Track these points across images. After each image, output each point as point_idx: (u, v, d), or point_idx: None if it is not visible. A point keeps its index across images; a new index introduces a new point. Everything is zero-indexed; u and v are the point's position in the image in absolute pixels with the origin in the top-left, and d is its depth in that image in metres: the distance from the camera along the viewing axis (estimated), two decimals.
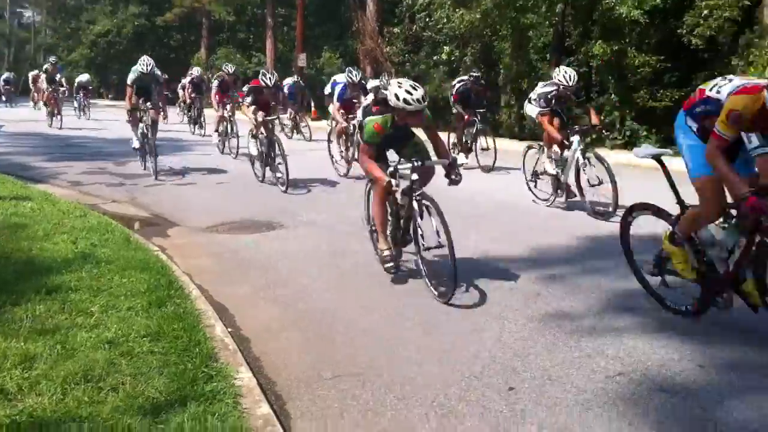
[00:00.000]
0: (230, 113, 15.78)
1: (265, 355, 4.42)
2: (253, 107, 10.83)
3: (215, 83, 17.12)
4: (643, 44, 18.90)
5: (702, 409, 3.64)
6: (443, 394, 3.82)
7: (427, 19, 23.90)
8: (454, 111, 13.44)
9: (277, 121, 12.19)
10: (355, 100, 11.90)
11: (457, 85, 13.62)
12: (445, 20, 22.21)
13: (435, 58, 23.76)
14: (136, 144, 12.16)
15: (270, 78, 10.88)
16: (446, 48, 23.23)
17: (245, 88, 11.44)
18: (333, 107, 12.25)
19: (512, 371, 4.08)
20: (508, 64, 20.75)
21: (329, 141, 12.77)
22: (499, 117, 20.62)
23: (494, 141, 12.94)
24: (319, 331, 4.82)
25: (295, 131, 19.22)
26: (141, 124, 11.74)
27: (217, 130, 15.86)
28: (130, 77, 11.57)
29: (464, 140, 13.44)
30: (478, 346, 4.46)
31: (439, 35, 23.71)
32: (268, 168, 11.06)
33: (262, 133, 10.94)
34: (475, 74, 13.77)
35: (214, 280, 5.99)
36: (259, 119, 10.78)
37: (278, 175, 10.68)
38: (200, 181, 11.77)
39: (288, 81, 18.69)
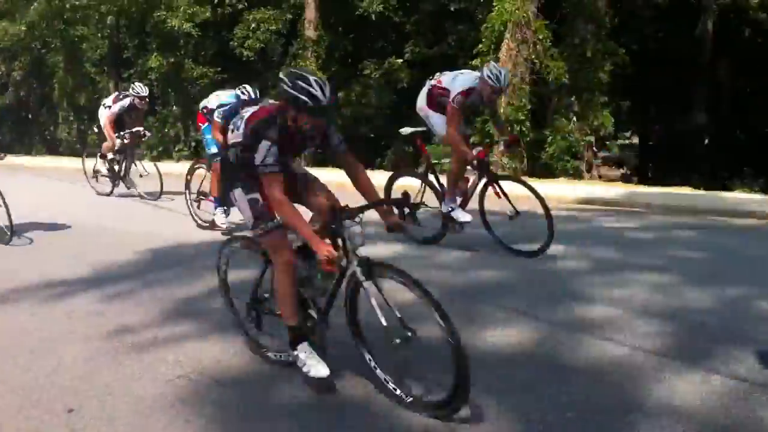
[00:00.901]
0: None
1: None
2: None
3: None
4: (199, 56, 19.69)
5: (261, 393, 4.09)
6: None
7: None
8: None
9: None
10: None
11: None
12: None
13: None
14: None
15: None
16: None
17: None
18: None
19: (73, 392, 4.09)
20: (63, 78, 19.90)
21: None
22: (58, 134, 19.67)
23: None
24: None
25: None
26: None
27: None
28: None
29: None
30: (35, 373, 4.37)
31: None
32: None
33: None
34: None
35: None
36: None
37: None
38: None
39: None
